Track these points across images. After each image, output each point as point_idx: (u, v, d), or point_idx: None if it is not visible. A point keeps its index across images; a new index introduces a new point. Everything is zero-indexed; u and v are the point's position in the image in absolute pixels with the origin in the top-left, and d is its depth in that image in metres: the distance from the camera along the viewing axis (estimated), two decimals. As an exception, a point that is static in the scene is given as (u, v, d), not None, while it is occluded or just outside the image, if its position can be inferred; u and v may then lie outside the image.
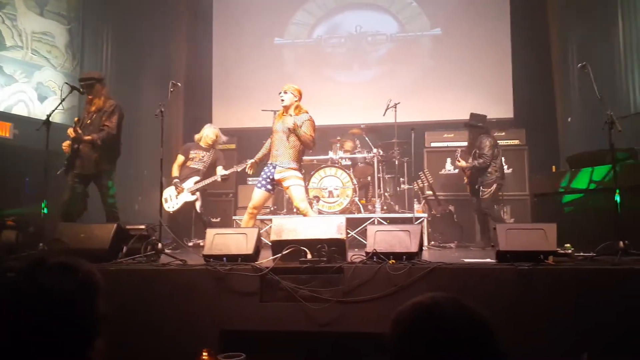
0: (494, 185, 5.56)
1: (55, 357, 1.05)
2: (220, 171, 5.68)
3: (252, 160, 4.96)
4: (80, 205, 4.63)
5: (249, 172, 5.03)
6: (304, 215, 4.58)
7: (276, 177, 4.65)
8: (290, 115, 4.64)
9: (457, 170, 6.11)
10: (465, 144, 6.17)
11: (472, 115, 5.94)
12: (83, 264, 1.15)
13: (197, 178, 5.70)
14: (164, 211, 5.56)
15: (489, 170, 5.55)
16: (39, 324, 1.04)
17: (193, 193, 5.66)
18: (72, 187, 4.57)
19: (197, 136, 6.01)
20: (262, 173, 4.74)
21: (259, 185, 4.71)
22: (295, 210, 4.82)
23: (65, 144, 4.60)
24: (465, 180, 5.88)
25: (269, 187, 4.71)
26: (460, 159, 5.83)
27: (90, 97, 4.70)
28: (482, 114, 5.93)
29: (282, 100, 4.68)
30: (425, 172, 6.34)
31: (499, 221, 5.50)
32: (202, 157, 5.85)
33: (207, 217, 5.91)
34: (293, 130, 4.57)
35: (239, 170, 5.53)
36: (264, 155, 4.90)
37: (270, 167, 4.70)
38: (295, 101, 4.70)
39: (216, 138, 5.94)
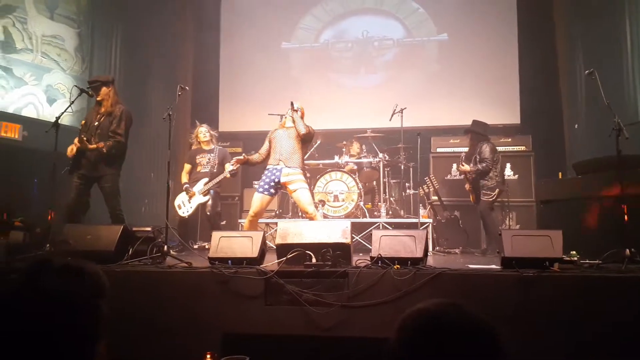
0: (497, 190, 5.62)
1: (60, 359, 1.05)
2: (228, 167, 5.70)
3: (241, 157, 4.95)
4: (84, 206, 4.64)
5: (234, 166, 5.02)
6: (312, 218, 4.60)
7: (283, 179, 4.67)
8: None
9: (462, 176, 6.12)
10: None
11: (474, 122, 5.99)
12: (88, 266, 1.15)
13: (206, 179, 5.73)
14: (176, 215, 5.61)
15: (490, 175, 5.59)
16: (42, 326, 1.04)
17: (205, 194, 5.69)
18: (77, 187, 4.57)
19: (191, 140, 6.09)
20: (264, 177, 4.76)
21: (261, 190, 4.71)
22: (303, 214, 4.82)
23: (70, 150, 4.59)
24: (468, 187, 5.90)
25: (272, 191, 4.73)
26: (463, 163, 5.86)
27: (97, 98, 4.74)
28: (484, 122, 5.98)
29: (296, 110, 4.85)
30: (431, 177, 6.33)
31: (496, 225, 5.56)
32: (209, 159, 5.89)
33: (217, 221, 5.89)
34: (294, 121, 4.79)
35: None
36: (257, 161, 4.95)
37: (274, 171, 4.72)
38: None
39: (210, 135, 6.01)
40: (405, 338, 1.01)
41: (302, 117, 4.90)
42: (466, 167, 5.78)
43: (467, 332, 0.98)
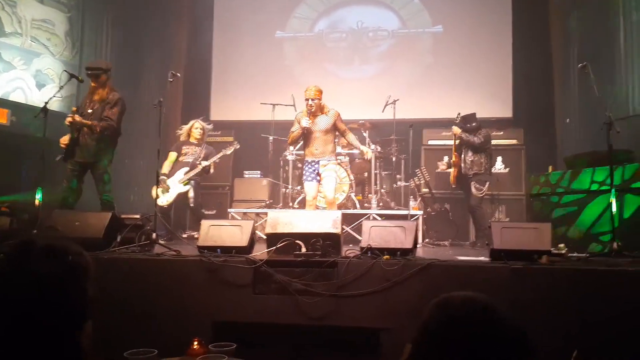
0: (487, 184, 5.63)
1: (46, 339, 1.05)
2: (203, 162, 5.73)
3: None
4: (77, 193, 4.66)
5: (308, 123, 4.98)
6: (330, 206, 4.97)
7: (321, 170, 5.01)
8: (325, 114, 5.01)
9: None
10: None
11: (463, 117, 5.90)
12: (71, 246, 1.15)
13: (186, 169, 5.69)
14: (156, 205, 5.57)
15: (481, 160, 5.58)
16: (28, 307, 1.04)
17: (185, 183, 5.64)
18: (71, 175, 4.60)
19: (180, 132, 6.03)
20: (307, 169, 5.05)
21: (310, 178, 5.05)
22: (322, 198, 5.20)
23: (63, 140, 4.59)
24: (453, 173, 5.84)
25: (318, 178, 5.05)
26: (455, 127, 5.81)
27: (94, 85, 4.71)
28: (472, 113, 5.92)
29: (312, 107, 4.93)
30: (422, 169, 6.33)
31: (485, 219, 5.58)
32: (195, 151, 5.87)
33: (201, 211, 5.88)
34: (333, 129, 5.05)
35: (228, 153, 5.85)
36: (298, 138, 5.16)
37: (313, 164, 5.02)
38: (321, 103, 5.04)
39: (203, 131, 6.02)
40: (447, 319, 1.00)
41: (320, 99, 5.05)
42: (457, 130, 5.75)
43: (509, 339, 0.98)
